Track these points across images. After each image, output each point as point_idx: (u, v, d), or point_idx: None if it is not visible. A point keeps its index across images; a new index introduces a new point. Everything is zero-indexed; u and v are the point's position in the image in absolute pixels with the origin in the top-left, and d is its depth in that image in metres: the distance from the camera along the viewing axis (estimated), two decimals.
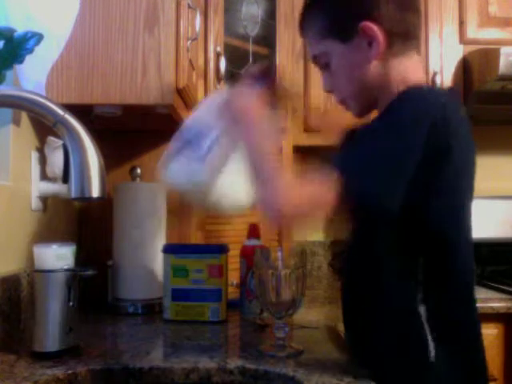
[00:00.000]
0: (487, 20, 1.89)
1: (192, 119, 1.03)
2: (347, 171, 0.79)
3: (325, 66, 0.98)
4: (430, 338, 0.86)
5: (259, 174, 0.86)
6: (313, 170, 0.82)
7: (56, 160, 1.13)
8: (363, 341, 0.96)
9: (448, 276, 0.89)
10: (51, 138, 1.13)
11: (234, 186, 1.01)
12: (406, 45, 0.93)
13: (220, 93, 1.03)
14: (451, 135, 0.84)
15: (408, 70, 0.93)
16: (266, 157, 0.86)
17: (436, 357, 0.87)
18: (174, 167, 0.97)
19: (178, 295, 1.22)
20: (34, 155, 1.17)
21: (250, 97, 0.96)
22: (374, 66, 0.92)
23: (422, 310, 0.87)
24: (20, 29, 0.95)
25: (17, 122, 1.10)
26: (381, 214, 0.83)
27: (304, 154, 2.01)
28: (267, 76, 1.03)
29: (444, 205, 0.86)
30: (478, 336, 0.94)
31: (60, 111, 0.75)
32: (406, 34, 0.93)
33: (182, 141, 0.99)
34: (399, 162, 0.80)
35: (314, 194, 0.80)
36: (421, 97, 0.85)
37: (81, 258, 1.42)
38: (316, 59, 0.99)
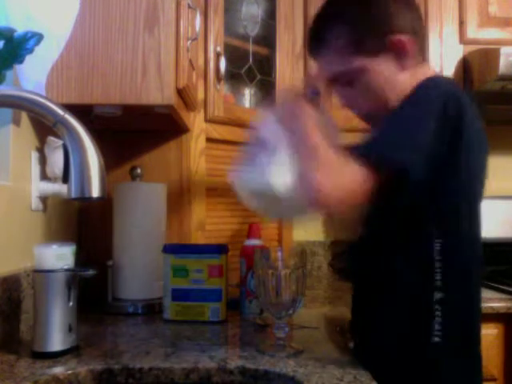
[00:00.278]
0: (487, 20, 1.89)
1: (258, 130, 1.04)
2: (376, 148, 0.80)
3: (347, 83, 0.95)
4: (435, 331, 0.88)
5: (303, 158, 0.85)
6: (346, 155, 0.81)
7: (56, 160, 1.13)
8: (370, 332, 0.99)
9: (464, 264, 0.91)
10: (51, 138, 1.13)
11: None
12: (423, 54, 0.95)
13: (280, 103, 1.04)
14: (464, 134, 0.85)
15: (423, 74, 0.94)
16: (311, 144, 0.84)
17: (439, 353, 0.88)
18: (246, 176, 0.98)
19: (178, 295, 1.22)
20: (34, 155, 1.17)
21: (302, 103, 0.95)
22: (404, 78, 0.92)
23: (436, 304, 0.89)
24: (20, 29, 0.95)
25: (17, 122, 1.10)
26: (409, 182, 0.81)
27: None
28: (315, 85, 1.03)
29: (459, 184, 0.87)
30: (479, 338, 0.95)
31: (60, 111, 0.75)
32: (422, 41, 0.95)
33: (252, 151, 1.00)
34: (422, 135, 0.80)
35: (352, 180, 0.79)
36: (439, 85, 0.86)
37: (81, 258, 1.42)
38: (337, 77, 0.95)
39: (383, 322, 0.97)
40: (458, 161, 0.86)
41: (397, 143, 0.80)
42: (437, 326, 0.88)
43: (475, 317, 0.94)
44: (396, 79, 0.92)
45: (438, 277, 0.88)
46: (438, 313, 0.88)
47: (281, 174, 0.92)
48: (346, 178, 0.79)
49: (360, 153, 0.79)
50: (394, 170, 0.79)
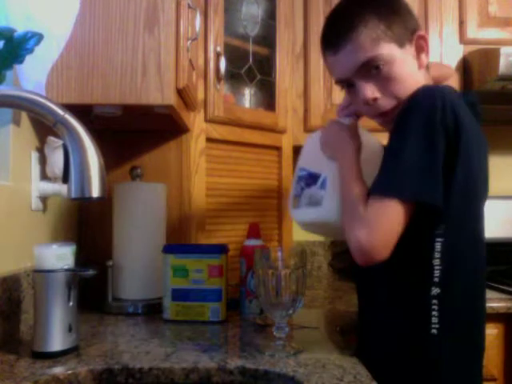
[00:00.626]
0: (487, 20, 1.89)
1: (303, 162, 1.08)
2: (393, 189, 0.86)
3: (374, 73, 0.93)
4: (433, 323, 0.90)
5: (349, 207, 0.91)
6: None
7: (56, 160, 1.13)
8: (370, 329, 1.02)
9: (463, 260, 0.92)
10: (51, 138, 1.13)
11: None
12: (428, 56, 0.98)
13: (318, 133, 1.09)
14: (462, 137, 0.87)
15: (429, 78, 0.99)
16: (354, 188, 0.90)
17: (439, 352, 0.89)
18: (298, 212, 1.02)
19: (178, 295, 1.22)
20: (34, 155, 1.17)
21: (341, 130, 1.00)
22: (421, 75, 0.96)
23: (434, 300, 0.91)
24: (20, 29, 0.95)
25: (17, 122, 1.10)
26: (433, 210, 0.87)
27: None
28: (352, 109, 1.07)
29: (459, 185, 0.89)
30: (480, 335, 0.96)
31: (60, 111, 0.75)
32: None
33: (301, 184, 1.04)
34: (430, 165, 0.85)
35: (391, 228, 0.85)
36: (434, 95, 0.87)
37: (81, 258, 1.42)
38: (364, 64, 0.92)
39: (383, 319, 0.99)
40: (457, 163, 0.88)
41: (419, 179, 0.85)
42: (434, 319, 0.90)
43: (475, 314, 0.95)
44: (417, 75, 0.95)
45: (437, 273, 0.90)
46: (434, 307, 0.91)
47: (329, 205, 0.97)
48: (385, 227, 0.85)
49: (383, 191, 0.86)
50: (424, 205, 0.86)
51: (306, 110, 1.87)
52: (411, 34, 0.94)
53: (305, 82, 1.87)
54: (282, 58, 1.78)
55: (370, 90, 0.93)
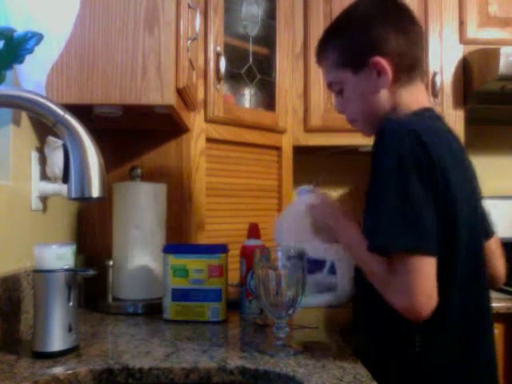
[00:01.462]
0: (487, 20, 1.89)
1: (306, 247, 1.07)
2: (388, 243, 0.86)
3: (338, 92, 1.07)
4: (418, 348, 0.92)
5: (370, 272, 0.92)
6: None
7: (56, 160, 1.13)
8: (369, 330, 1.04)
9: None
10: (51, 138, 1.13)
11: None
12: (411, 75, 1.02)
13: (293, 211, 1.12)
14: (438, 170, 0.88)
15: (413, 96, 1.02)
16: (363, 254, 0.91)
17: (421, 369, 0.92)
18: (307, 299, 1.02)
19: (178, 295, 1.22)
20: (34, 155, 1.17)
21: (329, 203, 1.06)
22: (383, 94, 1.01)
23: None
24: (20, 29, 0.95)
25: (17, 122, 1.10)
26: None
27: (304, 154, 2.02)
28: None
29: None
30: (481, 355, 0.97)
31: (60, 111, 0.75)
32: (412, 65, 1.02)
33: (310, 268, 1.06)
34: (415, 211, 0.86)
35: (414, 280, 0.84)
36: (399, 143, 0.88)
37: (81, 258, 1.42)
38: (330, 85, 1.09)
39: (377, 323, 1.00)
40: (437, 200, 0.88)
41: (413, 232, 0.85)
42: (417, 338, 0.92)
43: (467, 336, 0.95)
44: (376, 95, 1.02)
45: None
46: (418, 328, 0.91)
47: (343, 288, 1.03)
48: (414, 284, 0.84)
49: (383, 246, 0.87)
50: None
51: (306, 110, 1.87)
52: (367, 59, 1.00)
53: (305, 82, 1.87)
54: (282, 58, 1.78)
55: (337, 103, 1.09)
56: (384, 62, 0.99)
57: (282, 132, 1.79)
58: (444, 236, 0.88)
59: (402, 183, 0.86)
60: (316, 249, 1.04)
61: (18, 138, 1.11)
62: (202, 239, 1.52)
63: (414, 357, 0.93)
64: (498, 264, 1.09)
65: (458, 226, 0.90)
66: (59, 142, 1.11)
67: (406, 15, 1.03)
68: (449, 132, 1.01)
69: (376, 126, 1.01)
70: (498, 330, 1.57)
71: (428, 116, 1.00)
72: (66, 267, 0.95)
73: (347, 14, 1.07)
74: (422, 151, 0.87)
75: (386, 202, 0.87)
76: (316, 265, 1.03)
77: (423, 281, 0.83)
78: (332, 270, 1.02)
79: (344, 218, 1.00)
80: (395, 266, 0.85)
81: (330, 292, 1.02)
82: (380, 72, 1.00)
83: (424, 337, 0.92)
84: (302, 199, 1.12)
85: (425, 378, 0.93)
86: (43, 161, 1.17)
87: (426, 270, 0.84)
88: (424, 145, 0.87)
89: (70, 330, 0.95)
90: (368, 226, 0.90)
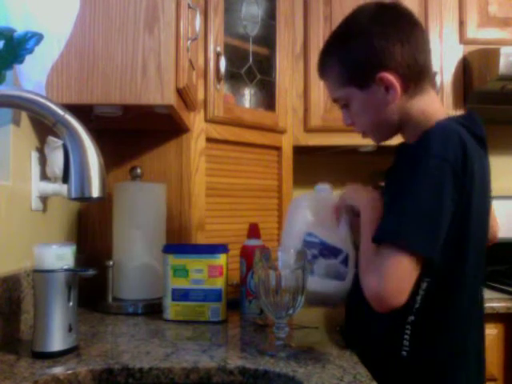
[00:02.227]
0: (487, 20, 1.89)
1: (311, 227, 1.07)
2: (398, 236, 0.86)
3: (344, 106, 1.05)
4: (405, 352, 0.92)
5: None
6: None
7: (56, 160, 1.13)
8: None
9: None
10: (51, 138, 1.13)
11: None
12: (421, 84, 0.99)
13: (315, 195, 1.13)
14: (470, 182, 0.89)
15: (426, 104, 0.99)
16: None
17: (408, 373, 0.93)
18: (313, 279, 1.02)
19: (178, 295, 1.22)
20: (34, 155, 1.17)
21: (364, 191, 1.04)
22: (392, 108, 0.98)
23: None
24: (20, 29, 0.95)
25: (17, 122, 1.10)
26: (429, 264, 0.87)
27: (304, 154, 2.02)
28: None
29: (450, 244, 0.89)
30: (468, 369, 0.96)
31: (60, 111, 0.75)
32: (420, 74, 0.98)
33: (312, 251, 1.05)
34: (436, 218, 0.86)
35: (396, 272, 0.85)
36: (444, 148, 0.88)
37: (81, 258, 1.42)
38: (336, 100, 1.07)
39: (367, 327, 1.01)
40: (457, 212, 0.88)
41: (423, 233, 0.85)
42: (405, 342, 0.92)
43: (455, 346, 0.95)
44: (385, 110, 0.99)
45: (417, 306, 0.91)
46: (407, 331, 0.92)
47: (349, 283, 1.01)
48: (395, 275, 0.84)
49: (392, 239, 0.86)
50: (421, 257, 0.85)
51: (306, 110, 1.87)
52: (373, 76, 0.97)
53: (305, 82, 1.87)
54: (282, 58, 1.78)
55: (345, 117, 1.06)
56: (391, 77, 0.95)
57: (282, 132, 1.79)
58: (454, 243, 0.89)
59: (438, 186, 0.85)
60: (328, 233, 1.04)
61: (18, 137, 1.11)
62: (202, 239, 1.52)
63: (401, 359, 0.93)
64: (494, 223, 1.15)
65: (471, 231, 0.91)
66: (59, 142, 1.11)
67: (407, 21, 0.99)
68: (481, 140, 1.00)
69: (388, 136, 1.04)
70: (497, 330, 1.57)
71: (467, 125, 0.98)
72: (65, 267, 0.95)
73: (347, 24, 1.03)
74: (463, 161, 0.87)
75: (413, 200, 0.86)
76: (332, 251, 1.03)
77: (401, 273, 0.84)
78: (345, 262, 1.02)
79: (375, 201, 0.98)
80: (383, 253, 0.86)
81: (337, 281, 1.01)
82: (388, 87, 0.96)
83: (412, 339, 0.92)
84: (322, 194, 1.12)
85: (413, 377, 0.93)
86: (43, 161, 1.17)
87: (411, 267, 0.84)
88: (466, 155, 0.87)
89: (69, 330, 0.95)
90: (390, 219, 0.88)
